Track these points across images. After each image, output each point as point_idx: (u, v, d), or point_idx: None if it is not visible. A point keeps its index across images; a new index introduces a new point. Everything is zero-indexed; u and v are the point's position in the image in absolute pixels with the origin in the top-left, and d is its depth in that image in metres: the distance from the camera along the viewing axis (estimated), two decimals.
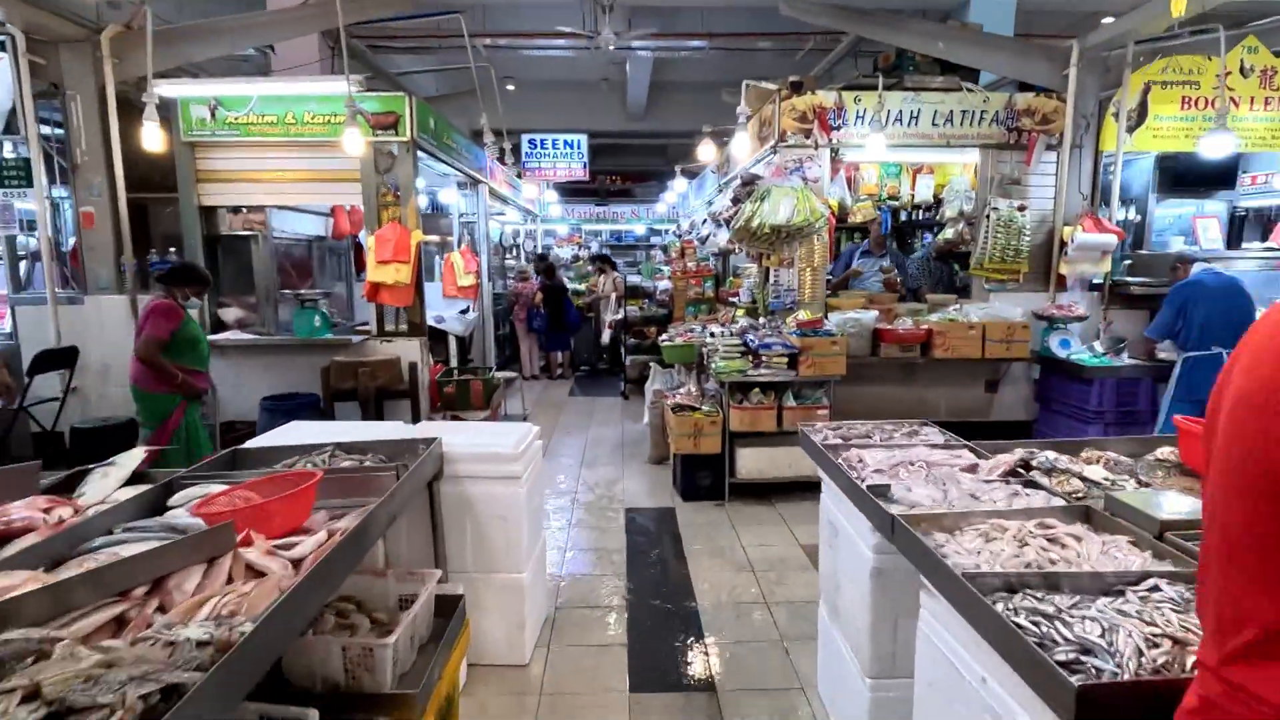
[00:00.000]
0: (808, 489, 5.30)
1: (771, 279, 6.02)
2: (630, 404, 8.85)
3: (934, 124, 5.79)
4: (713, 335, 5.92)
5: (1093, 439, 2.72)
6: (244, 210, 6.22)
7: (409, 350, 5.91)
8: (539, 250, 13.77)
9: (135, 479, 2.69)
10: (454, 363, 7.77)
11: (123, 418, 5.63)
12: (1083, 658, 1.29)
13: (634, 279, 12.42)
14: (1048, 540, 1.78)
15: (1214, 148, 5.28)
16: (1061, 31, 8.45)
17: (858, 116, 5.74)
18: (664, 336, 6.94)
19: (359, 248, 7.43)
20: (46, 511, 2.04)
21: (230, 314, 6.14)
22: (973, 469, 2.37)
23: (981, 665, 1.55)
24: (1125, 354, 5.51)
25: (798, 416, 5.18)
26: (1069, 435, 5.51)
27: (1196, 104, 5.87)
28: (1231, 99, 5.57)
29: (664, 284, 10.59)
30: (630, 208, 18.83)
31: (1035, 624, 1.39)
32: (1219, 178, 6.92)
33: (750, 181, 5.88)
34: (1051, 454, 2.52)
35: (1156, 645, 1.28)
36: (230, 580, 1.69)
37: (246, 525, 2.00)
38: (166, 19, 6.41)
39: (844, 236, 8.06)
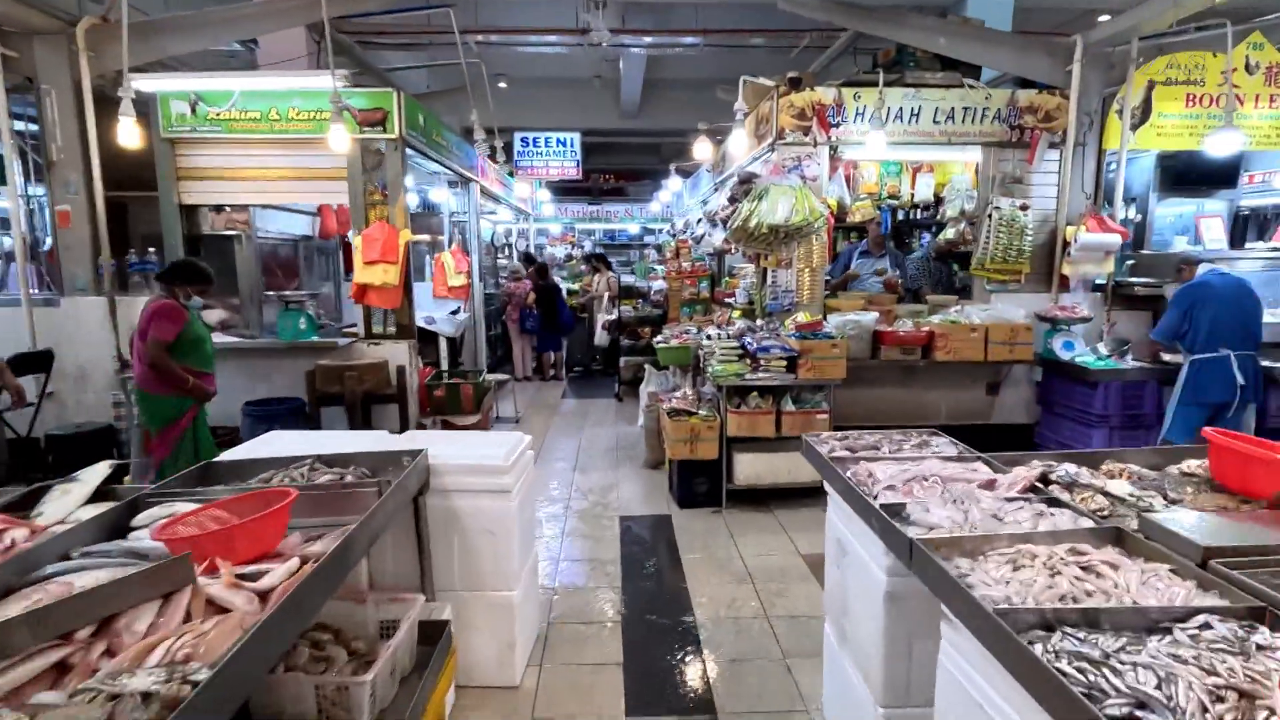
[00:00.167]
0: (807, 495, 5.20)
1: (769, 280, 5.88)
2: (624, 406, 8.71)
3: (935, 121, 5.66)
4: (709, 337, 5.78)
5: (1113, 450, 2.59)
6: (227, 209, 6.04)
7: (397, 353, 5.74)
8: (526, 250, 13.57)
9: (100, 495, 2.55)
10: (444, 365, 7.60)
11: (101, 423, 5.46)
12: (1137, 712, 1.15)
13: (628, 279, 12.27)
14: (1081, 568, 1.64)
15: (1221, 146, 5.17)
16: (1056, 29, 8.34)
17: (857, 113, 5.61)
18: (659, 338, 6.80)
19: (348, 247, 7.26)
20: None
21: (213, 316, 5.92)
22: (990, 485, 2.23)
23: (1017, 711, 1.41)
24: (1129, 356, 5.40)
25: (797, 421, 5.04)
26: (1072, 439, 5.41)
27: (1201, 101, 5.77)
28: (1236, 96, 5.46)
29: (658, 284, 10.45)
30: (624, 207, 18.67)
31: (1080, 670, 1.25)
32: (1220, 177, 6.84)
33: (748, 180, 5.74)
34: (1071, 467, 2.40)
35: (1221, 699, 1.15)
36: (188, 618, 1.53)
37: (212, 551, 1.86)
38: (150, 12, 6.23)
39: (840, 236, 7.93)
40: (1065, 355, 5.44)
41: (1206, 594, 1.53)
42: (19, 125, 5.40)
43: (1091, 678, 1.23)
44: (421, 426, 6.02)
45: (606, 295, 10.30)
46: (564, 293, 11.36)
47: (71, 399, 5.56)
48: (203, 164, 5.64)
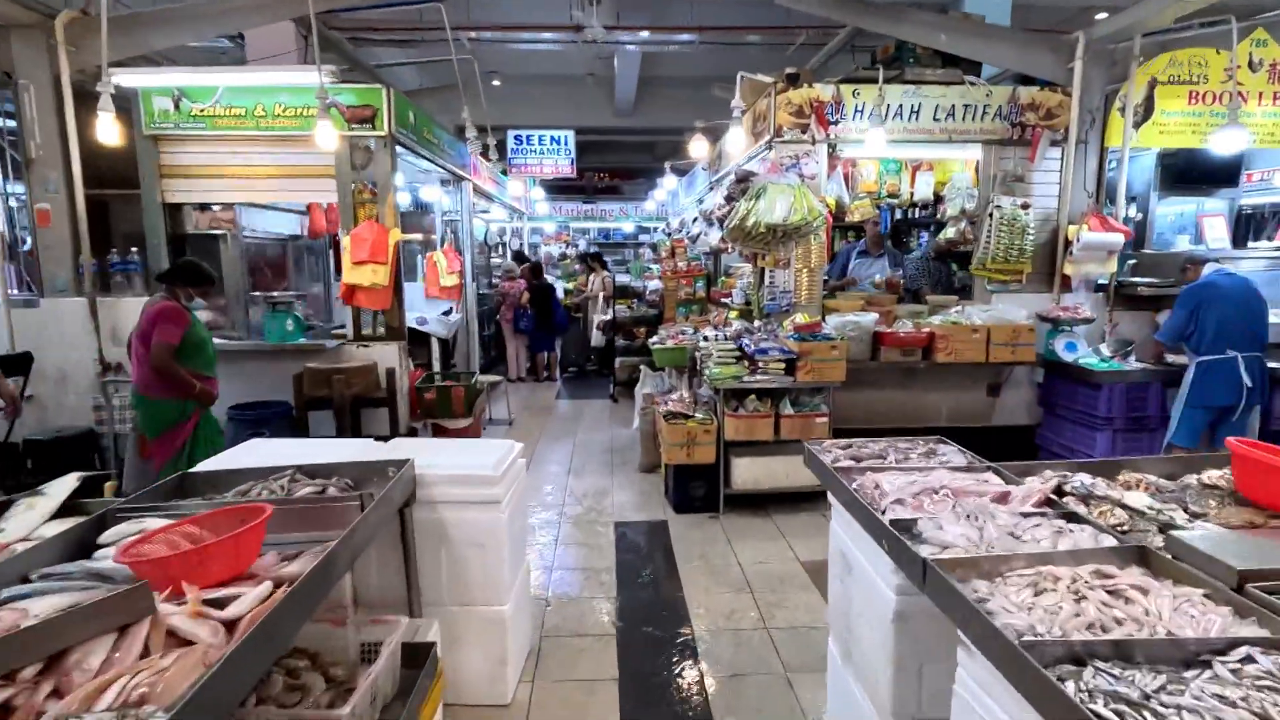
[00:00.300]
0: (805, 499, 5.10)
1: (767, 280, 5.78)
2: (619, 407, 8.60)
3: (935, 118, 5.56)
4: (706, 339, 5.67)
5: (1128, 459, 2.49)
6: (212, 208, 5.90)
7: (387, 355, 5.62)
8: (516, 249, 13.43)
9: (69, 509, 2.43)
10: (436, 366, 7.48)
11: (81, 428, 5.32)
12: None
13: (623, 278, 12.15)
14: (1108, 593, 1.53)
15: (1226, 144, 5.08)
16: (1054, 26, 8.25)
17: (856, 110, 5.50)
18: (654, 338, 6.69)
19: (339, 246, 7.13)
20: None
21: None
22: (1004, 498, 2.13)
23: None
24: (1132, 358, 5.31)
25: (796, 425, 4.94)
26: (1075, 441, 5.32)
27: (1204, 99, 5.68)
28: (1240, 94, 5.37)
29: (654, 284, 10.34)
30: (618, 205, 18.53)
31: (1120, 714, 1.14)
32: (1221, 175, 6.75)
33: (745, 178, 5.62)
34: (1086, 478, 2.30)
35: None
36: (147, 652, 1.41)
37: (179, 574, 1.73)
38: (133, 5, 6.09)
39: (838, 235, 7.83)
40: (1068, 356, 5.34)
41: (1244, 622, 1.42)
42: None
43: None
44: (412, 430, 5.89)
45: (601, 295, 10.18)
46: (560, 292, 11.26)
47: (52, 402, 5.41)
48: (187, 161, 5.50)
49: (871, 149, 5.62)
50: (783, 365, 4.95)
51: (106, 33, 4.72)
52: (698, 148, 7.32)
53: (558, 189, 17.36)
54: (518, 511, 3.11)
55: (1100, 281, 5.72)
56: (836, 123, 5.51)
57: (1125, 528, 1.96)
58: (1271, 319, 4.77)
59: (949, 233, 6.10)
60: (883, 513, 2.07)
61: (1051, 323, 5.55)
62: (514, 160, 12.50)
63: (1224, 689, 1.18)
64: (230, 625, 1.57)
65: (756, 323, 5.73)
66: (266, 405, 5.33)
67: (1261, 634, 1.36)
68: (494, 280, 10.88)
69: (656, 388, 6.63)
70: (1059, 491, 2.23)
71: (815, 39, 8.86)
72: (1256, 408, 4.55)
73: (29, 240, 5.59)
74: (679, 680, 3.15)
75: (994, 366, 5.51)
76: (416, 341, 6.97)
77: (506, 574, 2.90)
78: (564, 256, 15.19)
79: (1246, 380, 4.43)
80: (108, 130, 4.60)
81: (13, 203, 5.72)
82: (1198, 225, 6.80)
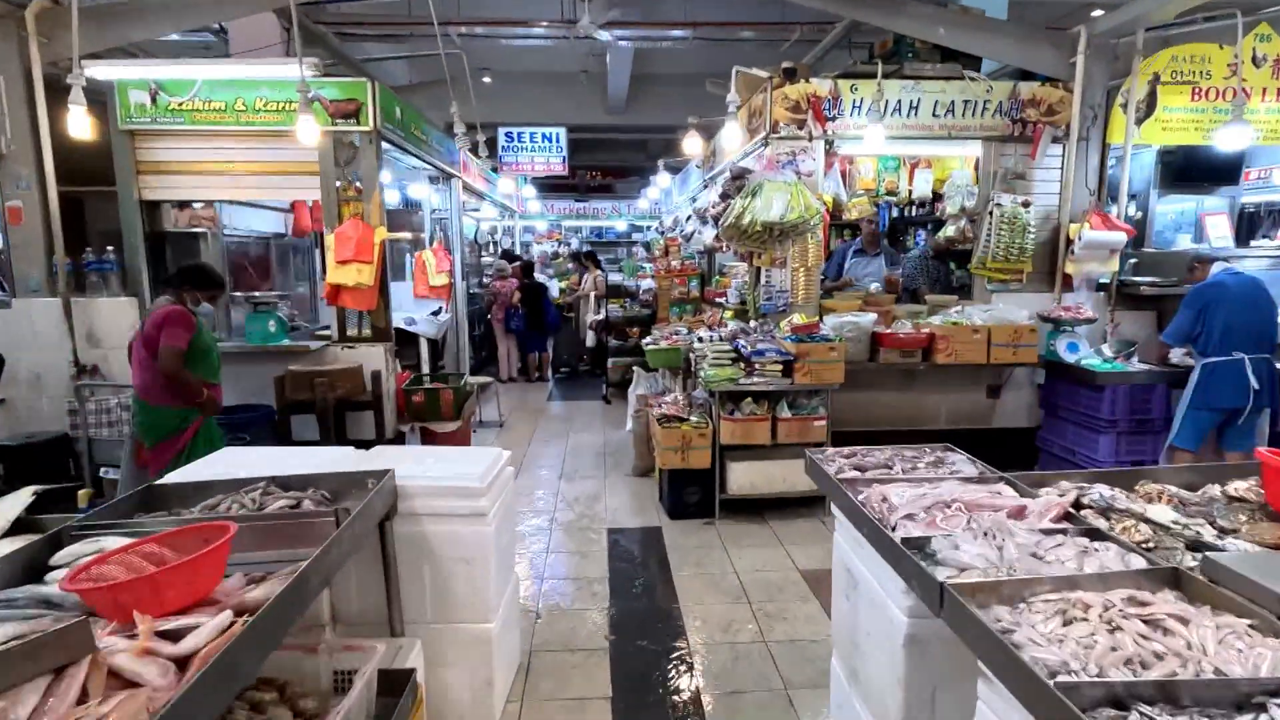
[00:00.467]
0: (802, 504, 4.99)
1: (763, 279, 5.64)
2: (612, 409, 8.46)
3: (935, 114, 5.44)
4: (701, 339, 5.53)
5: (1146, 468, 2.38)
6: (193, 205, 5.73)
7: (372, 357, 5.46)
8: (505, 249, 13.27)
9: (24, 525, 2.28)
10: (425, 368, 7.33)
11: (55, 433, 5.14)
12: None
13: (615, 277, 11.99)
14: (1144, 622, 1.41)
15: (1230, 140, 4.98)
16: (1051, 23, 8.14)
17: (854, 106, 5.38)
18: (648, 339, 6.55)
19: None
20: None
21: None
22: (1020, 513, 2.00)
23: None
24: (1135, 358, 5.20)
25: (793, 428, 4.81)
26: (1077, 444, 5.21)
27: (1207, 95, 5.58)
28: (1244, 89, 5.27)
29: (647, 283, 10.20)
30: (611, 204, 18.40)
31: None
32: (1222, 173, 6.66)
33: (740, 175, 5.50)
34: (1105, 489, 2.18)
35: None
36: (84, 697, 1.27)
37: (130, 602, 1.59)
38: None
39: (834, 234, 7.72)
40: (1070, 357, 5.23)
41: None
42: None
43: None
44: (400, 434, 5.75)
45: (593, 294, 10.03)
46: (556, 291, 11.11)
47: (24, 406, 5.23)
48: (165, 157, 5.33)
49: (870, 146, 5.49)
50: (780, 367, 4.82)
51: (78, 23, 4.54)
52: (691, 144, 7.17)
53: (550, 187, 17.21)
54: (505, 523, 2.97)
55: (1102, 281, 5.62)
56: (834, 118, 5.39)
57: (1151, 545, 1.84)
58: None
59: (948, 231, 5.98)
60: (893, 529, 1.94)
61: (1053, 323, 5.44)
62: (505, 158, 12.35)
63: None
64: (183, 661, 1.43)
65: (752, 323, 5.60)
66: (248, 409, 5.18)
67: None
68: (485, 279, 10.72)
69: (650, 389, 6.50)
70: (1076, 504, 2.11)
71: (810, 35, 8.73)
72: (1266, 410, 4.45)
73: (0, 239, 5.41)
74: (675, 698, 3.02)
75: (995, 368, 5.40)
76: (405, 342, 6.82)
77: (493, 590, 2.76)
78: (556, 255, 15.03)
79: (1254, 382, 4.32)
80: (80, 124, 4.42)
81: None
82: (1199, 223, 6.70)
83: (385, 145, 5.60)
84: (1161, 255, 5.98)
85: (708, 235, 7.52)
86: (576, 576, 4.18)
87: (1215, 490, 2.21)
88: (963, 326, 5.18)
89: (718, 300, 7.36)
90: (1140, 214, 6.71)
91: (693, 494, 5.00)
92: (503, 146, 12.34)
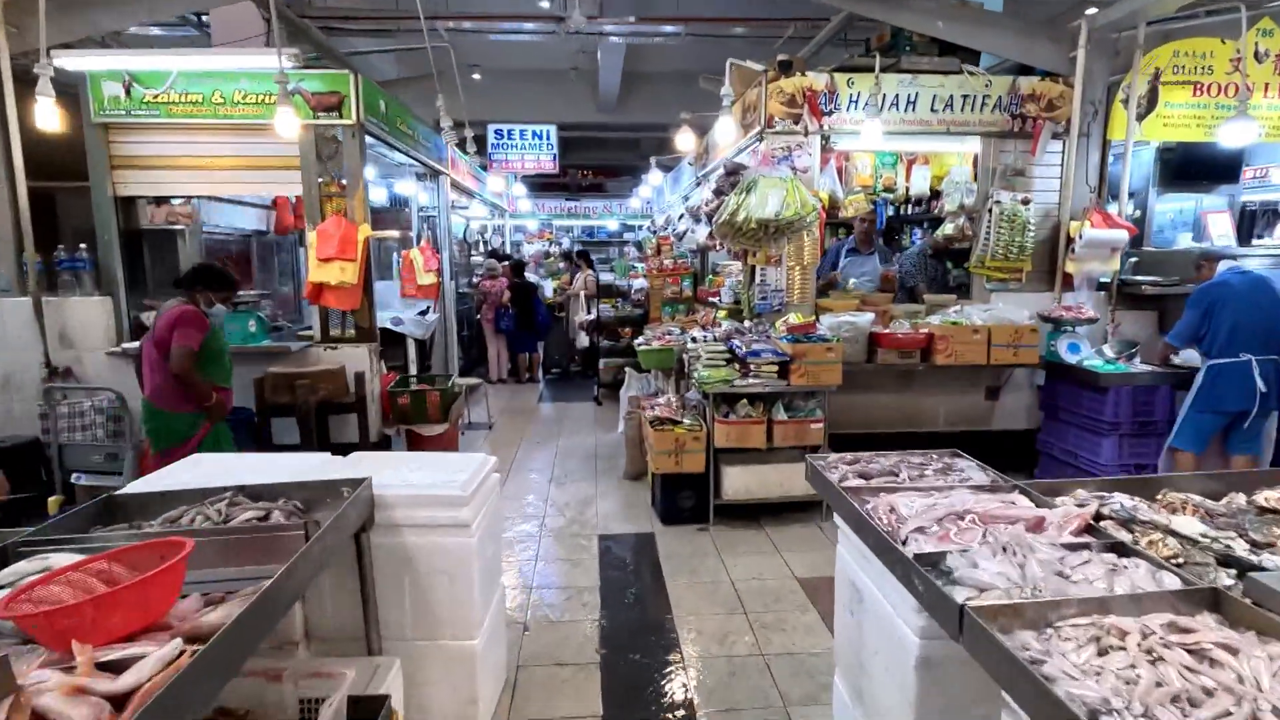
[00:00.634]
0: (799, 509, 4.87)
1: (757, 278, 5.51)
2: (604, 410, 8.32)
3: (933, 109, 5.32)
4: (694, 340, 5.40)
5: (1165, 476, 2.26)
6: (170, 201, 5.55)
7: (356, 358, 5.30)
8: (493, 248, 13.10)
9: None
10: (413, 369, 7.16)
11: (26, 437, 4.96)
12: None
13: (607, 277, 11.85)
14: (1189, 652, 1.28)
15: (1235, 136, 4.88)
16: (1048, 17, 8.06)
17: (851, 100, 5.25)
18: (640, 339, 6.41)
19: None
20: None
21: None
22: (1039, 525, 1.87)
23: None
24: (1137, 359, 5.09)
25: (790, 431, 4.68)
26: (1078, 447, 5.10)
27: (1209, 90, 5.50)
28: (1246, 85, 5.18)
29: (639, 282, 10.06)
30: (602, 203, 18.22)
31: None
32: (1222, 170, 6.58)
33: (735, 171, 5.38)
34: (1125, 499, 2.05)
35: None
36: None
37: (70, 629, 1.44)
38: None
39: (830, 232, 7.58)
40: (1071, 358, 5.12)
41: None
42: None
43: None
44: (385, 437, 5.58)
45: (584, 294, 9.88)
46: (549, 290, 10.95)
47: None
48: (140, 151, 5.16)
49: (867, 141, 5.38)
50: (775, 368, 4.69)
51: (45, 11, 4.36)
52: (684, 140, 7.04)
53: (540, 186, 17.05)
54: (490, 534, 2.82)
55: (1103, 280, 5.51)
56: (830, 113, 5.26)
57: (1180, 560, 1.71)
58: None
59: (947, 228, 5.86)
60: (903, 543, 1.81)
61: (1053, 323, 5.33)
62: (494, 155, 12.19)
63: None
64: (122, 700, 1.28)
65: (747, 323, 5.47)
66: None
67: None
68: (474, 279, 10.56)
69: (642, 390, 6.37)
70: (1096, 515, 1.99)
71: (804, 31, 8.61)
72: (1273, 413, 4.35)
73: None
74: (669, 716, 2.88)
75: (994, 369, 5.29)
76: (392, 343, 6.66)
77: (477, 604, 2.61)
78: (547, 255, 14.87)
79: (1260, 385, 4.22)
80: (48, 117, 4.25)
81: None
82: (1200, 221, 6.61)
83: (369, 140, 5.44)
84: (1163, 254, 5.88)
85: (700, 233, 7.38)
86: (566, 586, 4.03)
87: (1241, 500, 2.09)
88: (963, 327, 5.06)
89: (711, 300, 7.22)
90: (1139, 212, 6.62)
91: (686, 499, 4.86)
92: (492, 144, 12.18)
